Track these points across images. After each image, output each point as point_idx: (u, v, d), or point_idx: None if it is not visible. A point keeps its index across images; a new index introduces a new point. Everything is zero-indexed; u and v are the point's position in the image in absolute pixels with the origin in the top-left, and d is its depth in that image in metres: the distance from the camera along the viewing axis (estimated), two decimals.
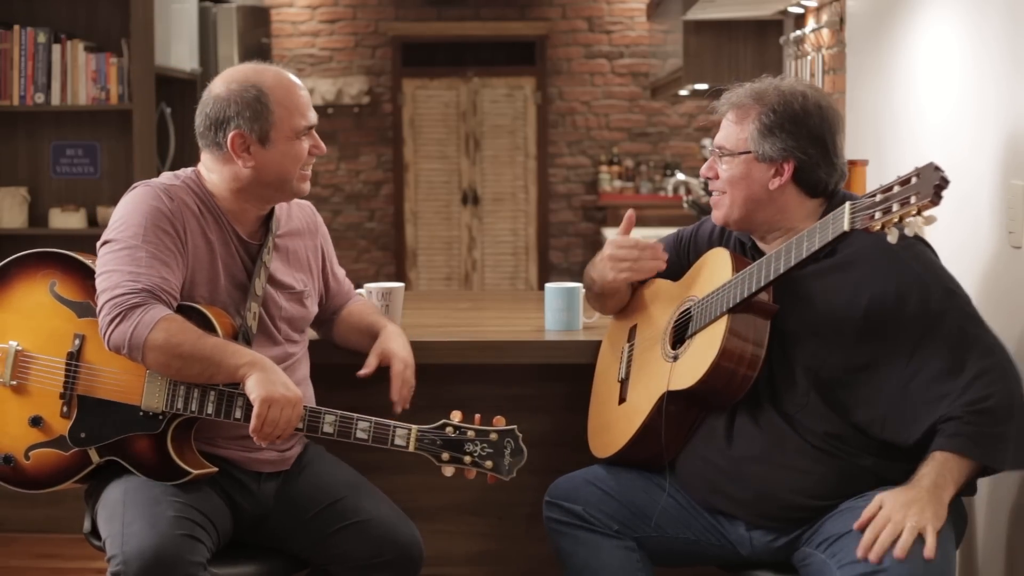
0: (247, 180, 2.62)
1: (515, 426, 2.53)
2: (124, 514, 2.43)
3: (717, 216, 2.56)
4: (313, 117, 2.67)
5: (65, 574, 4.23)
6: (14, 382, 2.59)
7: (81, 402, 2.55)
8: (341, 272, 2.96)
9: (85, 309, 2.57)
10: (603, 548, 2.57)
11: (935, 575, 2.24)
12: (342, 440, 2.54)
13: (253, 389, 2.43)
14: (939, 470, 2.30)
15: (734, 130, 2.52)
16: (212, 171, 2.66)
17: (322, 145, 2.69)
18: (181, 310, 2.51)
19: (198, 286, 2.58)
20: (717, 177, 2.55)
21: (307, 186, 2.69)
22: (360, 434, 2.53)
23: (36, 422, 2.57)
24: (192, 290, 2.57)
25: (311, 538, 2.67)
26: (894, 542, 2.24)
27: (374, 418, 2.53)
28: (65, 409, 2.55)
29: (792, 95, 2.48)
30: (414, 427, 2.52)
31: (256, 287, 2.64)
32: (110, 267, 2.50)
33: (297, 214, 2.84)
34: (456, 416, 2.54)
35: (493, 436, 2.52)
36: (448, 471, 2.52)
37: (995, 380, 2.31)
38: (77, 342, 2.57)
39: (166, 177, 2.66)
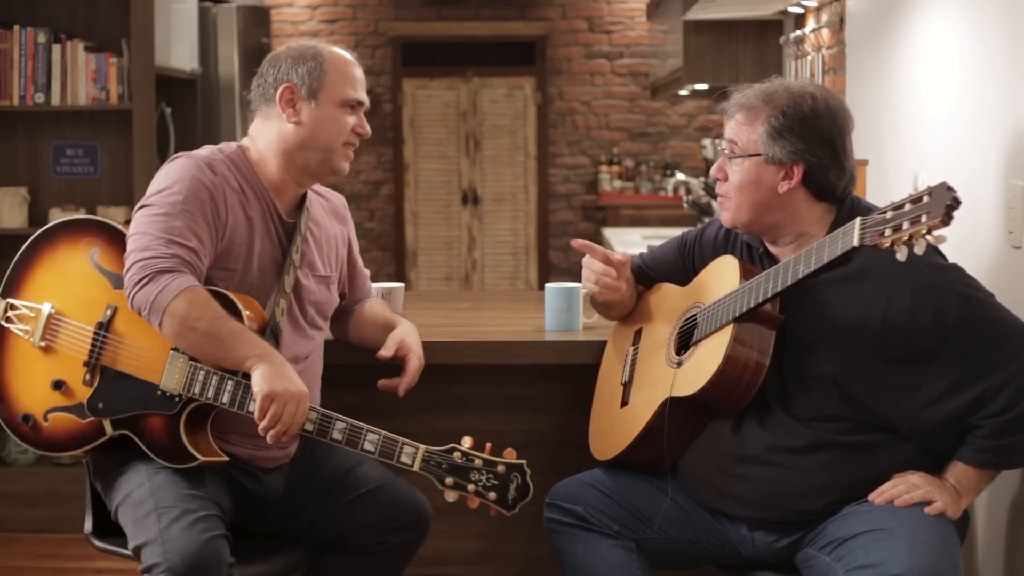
0: (291, 141, 2.62)
1: (524, 461, 2.47)
2: (159, 519, 2.41)
3: (725, 218, 2.55)
4: (364, 97, 2.68)
5: (65, 574, 4.22)
6: (43, 343, 2.59)
7: (104, 372, 2.55)
8: (364, 270, 2.96)
9: (121, 280, 2.52)
10: (601, 546, 2.57)
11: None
12: (350, 449, 2.50)
13: (257, 383, 2.41)
14: (960, 479, 2.39)
15: (744, 131, 2.49)
16: (259, 136, 2.66)
17: (367, 128, 2.70)
18: (215, 296, 2.47)
19: (231, 260, 2.56)
20: (727, 179, 2.52)
21: (347, 165, 2.70)
22: (368, 446, 2.48)
23: (58, 386, 2.57)
24: (224, 262, 2.55)
25: (326, 509, 2.66)
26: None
27: (383, 432, 2.49)
28: (88, 377, 2.55)
29: (802, 96, 2.45)
30: (422, 447, 2.47)
31: (285, 284, 2.62)
32: (143, 229, 2.48)
33: (330, 199, 2.86)
34: (467, 442, 2.48)
35: (501, 468, 2.46)
36: (451, 496, 2.47)
37: (1020, 388, 2.32)
38: (108, 312, 2.56)
39: (208, 150, 2.64)
